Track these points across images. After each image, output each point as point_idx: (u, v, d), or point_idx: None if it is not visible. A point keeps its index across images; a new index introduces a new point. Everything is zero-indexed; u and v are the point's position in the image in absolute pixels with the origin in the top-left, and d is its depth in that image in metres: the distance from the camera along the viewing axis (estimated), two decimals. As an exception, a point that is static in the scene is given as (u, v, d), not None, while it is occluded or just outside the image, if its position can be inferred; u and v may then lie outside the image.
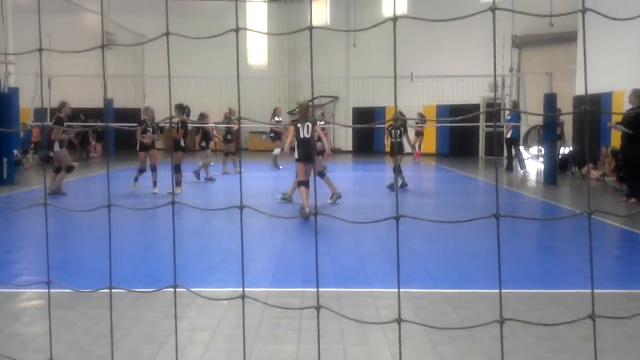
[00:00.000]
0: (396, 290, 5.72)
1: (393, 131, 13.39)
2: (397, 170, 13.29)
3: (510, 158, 18.58)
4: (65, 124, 13.02)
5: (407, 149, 20.33)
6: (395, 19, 1.74)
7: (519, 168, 18.16)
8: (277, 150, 18.25)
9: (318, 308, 1.84)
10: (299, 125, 10.37)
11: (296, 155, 10.37)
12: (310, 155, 10.09)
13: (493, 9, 1.73)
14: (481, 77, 20.27)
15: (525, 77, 19.40)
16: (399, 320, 1.82)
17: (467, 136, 24.19)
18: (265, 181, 15.48)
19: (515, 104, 20.45)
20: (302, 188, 10.12)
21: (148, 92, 27.94)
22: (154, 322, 4.80)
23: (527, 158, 19.68)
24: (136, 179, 13.22)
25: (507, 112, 18.44)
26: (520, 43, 23.06)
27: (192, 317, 4.91)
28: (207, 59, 26.11)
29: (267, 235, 8.52)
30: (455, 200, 12.67)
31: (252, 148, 28.46)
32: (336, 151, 28.32)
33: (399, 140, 13.64)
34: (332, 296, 5.44)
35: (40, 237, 8.57)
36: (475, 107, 23.93)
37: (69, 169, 12.96)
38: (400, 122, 13.14)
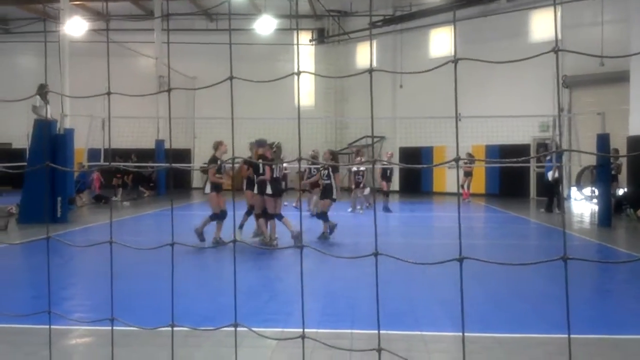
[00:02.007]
0: (447, 333, 5.58)
1: (322, 172, 12.55)
2: (319, 216, 12.36)
3: (551, 199, 17.97)
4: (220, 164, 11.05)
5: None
6: (455, 60, 1.73)
7: (558, 209, 17.51)
8: (367, 190, 18.35)
9: (379, 350, 1.80)
10: (273, 165, 11.03)
11: (269, 190, 10.99)
12: (280, 191, 11.31)
13: (556, 50, 1.70)
14: (531, 117, 20.02)
15: (577, 117, 19.08)
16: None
17: (518, 176, 23.76)
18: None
19: (557, 144, 20.00)
20: (272, 221, 11.01)
21: (198, 133, 28.63)
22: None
23: (581, 199, 19.18)
24: (241, 226, 11.56)
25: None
26: (571, 83, 22.75)
27: (242, 357, 4.89)
28: (257, 100, 26.65)
29: (315, 275, 8.47)
30: (507, 242, 12.41)
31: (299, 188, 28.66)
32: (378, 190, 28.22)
33: (326, 181, 12.39)
34: (382, 339, 5.33)
35: (94, 273, 8.73)
36: (526, 147, 23.60)
37: (213, 217, 11.04)
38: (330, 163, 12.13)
